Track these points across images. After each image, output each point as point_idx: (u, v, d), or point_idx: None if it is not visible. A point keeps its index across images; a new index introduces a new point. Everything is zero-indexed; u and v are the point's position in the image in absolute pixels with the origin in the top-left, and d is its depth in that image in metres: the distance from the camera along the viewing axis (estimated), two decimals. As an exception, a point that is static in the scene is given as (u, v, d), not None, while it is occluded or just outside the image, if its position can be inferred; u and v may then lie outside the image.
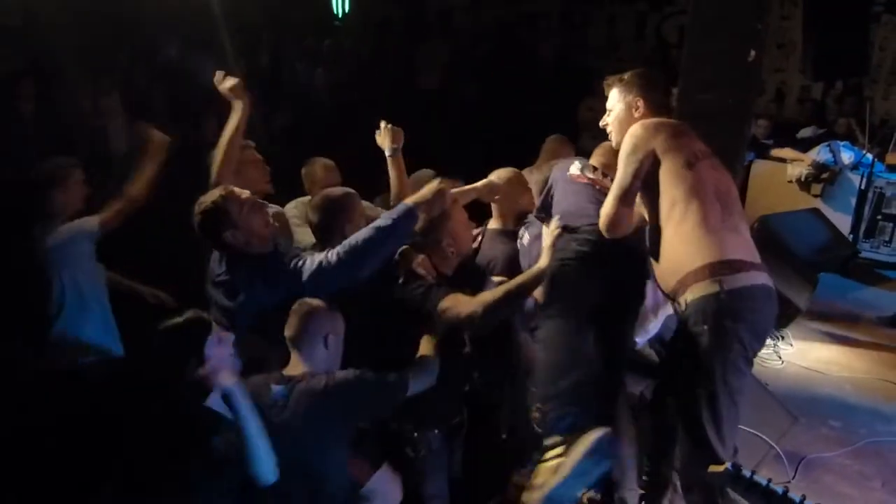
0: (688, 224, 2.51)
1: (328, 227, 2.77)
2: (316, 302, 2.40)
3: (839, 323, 5.19)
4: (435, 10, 11.20)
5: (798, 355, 4.68)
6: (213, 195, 2.55)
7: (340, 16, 10.79)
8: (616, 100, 2.82)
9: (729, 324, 2.42)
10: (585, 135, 9.37)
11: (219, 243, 2.57)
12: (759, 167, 7.11)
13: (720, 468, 2.54)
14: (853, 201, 6.73)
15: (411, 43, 9.73)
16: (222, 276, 2.58)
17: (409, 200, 2.59)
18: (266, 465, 2.13)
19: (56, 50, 5.81)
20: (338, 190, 2.94)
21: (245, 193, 2.60)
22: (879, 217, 6.73)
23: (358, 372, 2.38)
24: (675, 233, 2.54)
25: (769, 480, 1.91)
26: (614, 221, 2.60)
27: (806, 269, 5.72)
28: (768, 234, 5.79)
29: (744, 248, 2.54)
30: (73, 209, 3.13)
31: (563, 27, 10.59)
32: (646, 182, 2.63)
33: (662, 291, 2.77)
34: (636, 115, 2.74)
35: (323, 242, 2.75)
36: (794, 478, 3.37)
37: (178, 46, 8.03)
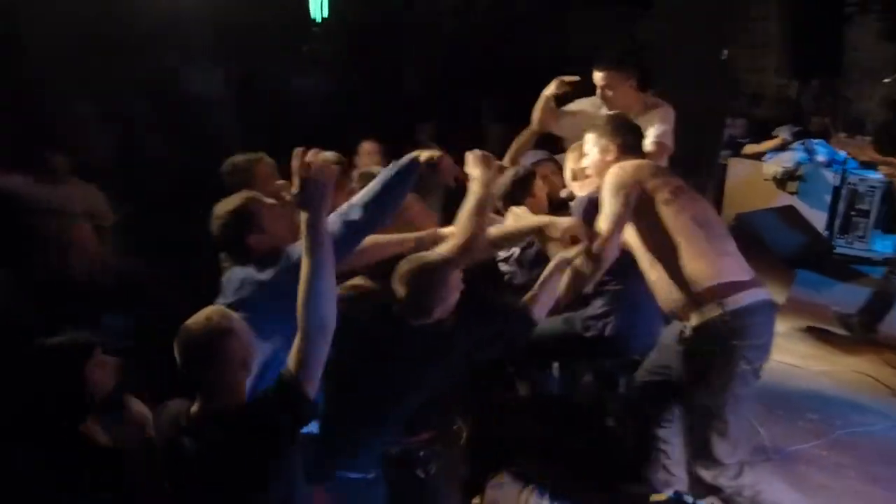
0: (680, 257, 2.59)
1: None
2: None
3: (816, 318, 5.26)
4: (419, 13, 11.23)
5: (775, 350, 4.66)
6: (237, 198, 2.47)
7: (319, 21, 10.79)
8: (591, 144, 2.89)
9: (736, 343, 2.51)
10: (568, 143, 9.43)
11: (239, 249, 2.45)
12: (736, 166, 7.20)
13: (662, 497, 2.70)
14: (828, 198, 6.85)
15: (390, 49, 9.74)
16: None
17: (420, 156, 2.50)
18: None
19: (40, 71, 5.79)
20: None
21: (269, 199, 2.56)
22: (853, 213, 6.85)
23: None
24: (669, 265, 2.62)
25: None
26: (612, 247, 2.62)
27: (782, 265, 5.82)
28: (745, 232, 5.89)
29: (737, 268, 2.63)
30: None
31: (541, 32, 10.65)
32: (633, 217, 2.70)
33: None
34: (608, 158, 2.82)
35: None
36: (770, 468, 3.42)
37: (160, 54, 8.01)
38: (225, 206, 2.45)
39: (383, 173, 2.49)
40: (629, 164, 2.75)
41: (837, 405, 4.08)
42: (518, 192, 3.36)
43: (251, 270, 2.41)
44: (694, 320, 2.57)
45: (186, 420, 2.03)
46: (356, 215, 2.39)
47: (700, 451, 2.65)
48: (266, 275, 2.39)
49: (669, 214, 2.63)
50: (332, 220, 2.36)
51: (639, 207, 2.65)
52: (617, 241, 2.63)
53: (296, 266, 2.05)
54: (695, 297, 2.56)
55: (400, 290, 2.40)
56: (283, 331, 2.16)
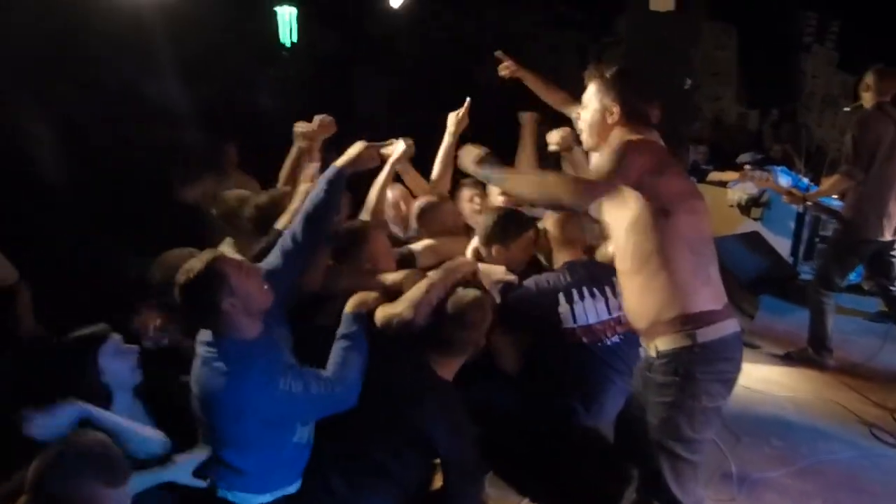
0: (662, 277, 2.38)
1: None
2: None
3: (780, 343, 5.27)
4: (378, 37, 11.29)
5: (741, 375, 4.72)
6: (199, 260, 2.31)
7: (289, 45, 10.79)
8: (591, 97, 2.57)
9: (699, 375, 2.36)
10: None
11: (212, 317, 2.31)
12: (701, 191, 7.23)
13: None
14: (792, 225, 6.90)
15: (354, 70, 9.78)
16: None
17: (338, 162, 2.68)
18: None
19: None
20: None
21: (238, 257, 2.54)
22: (817, 240, 6.93)
23: None
24: (648, 283, 2.41)
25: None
26: (589, 189, 2.32)
27: (747, 291, 5.84)
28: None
29: (715, 296, 2.44)
30: None
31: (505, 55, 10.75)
32: (620, 216, 2.46)
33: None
34: (609, 120, 2.52)
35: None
36: (737, 496, 3.38)
37: (122, 75, 7.92)
38: (189, 270, 2.29)
39: (312, 192, 2.67)
40: (656, 146, 2.46)
41: (803, 432, 4.06)
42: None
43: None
44: (661, 345, 2.42)
45: None
46: (293, 241, 2.58)
47: (656, 492, 2.47)
48: None
49: (670, 226, 2.36)
50: (272, 258, 2.59)
51: (643, 204, 2.37)
52: (598, 192, 2.34)
53: None
54: (667, 321, 2.39)
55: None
56: None
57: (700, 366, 2.36)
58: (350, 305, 2.61)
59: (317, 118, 3.53)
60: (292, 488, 2.47)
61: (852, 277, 5.73)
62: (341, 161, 2.69)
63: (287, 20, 10.72)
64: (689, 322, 2.36)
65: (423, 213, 3.65)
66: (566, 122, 3.83)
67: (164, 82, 7.16)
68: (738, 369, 2.48)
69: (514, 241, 3.25)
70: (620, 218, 2.46)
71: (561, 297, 3.12)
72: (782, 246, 6.81)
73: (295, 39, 10.75)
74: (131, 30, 6.59)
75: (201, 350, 2.36)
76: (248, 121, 8.27)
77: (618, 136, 2.49)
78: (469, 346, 2.65)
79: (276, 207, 3.06)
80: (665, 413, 2.40)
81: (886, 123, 4.57)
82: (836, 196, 5.36)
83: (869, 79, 4.62)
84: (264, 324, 2.39)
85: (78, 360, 2.22)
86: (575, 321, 3.10)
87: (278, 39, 10.60)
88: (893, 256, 4.82)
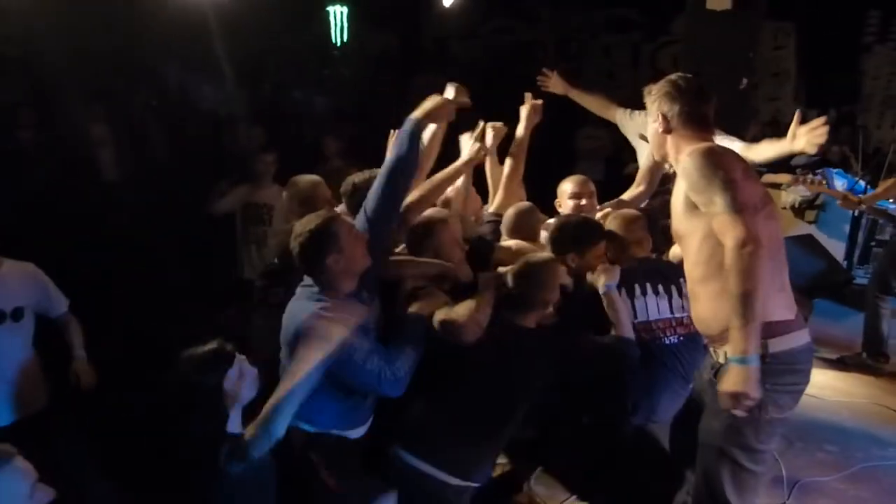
0: None
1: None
2: None
3: (834, 348, 5.20)
4: (431, 39, 11.36)
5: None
6: (317, 216, 2.56)
7: (339, 45, 10.94)
8: (650, 112, 2.60)
9: (768, 385, 2.28)
10: (583, 163, 9.48)
11: (317, 268, 2.53)
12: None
13: None
14: (847, 228, 6.78)
15: (408, 73, 9.87)
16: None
17: (414, 114, 2.72)
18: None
19: (54, 79, 5.91)
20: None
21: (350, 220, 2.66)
22: (873, 244, 6.80)
23: None
24: (724, 288, 2.27)
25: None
26: (754, 231, 2.20)
27: (801, 295, 5.74)
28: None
29: (789, 305, 2.39)
30: None
31: (559, 57, 10.74)
32: (695, 224, 2.42)
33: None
34: (660, 129, 2.53)
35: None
36: (787, 500, 3.37)
37: (179, 75, 8.16)
38: (306, 224, 2.53)
39: (391, 147, 2.76)
40: (719, 149, 2.39)
41: (857, 437, 4.02)
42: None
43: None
44: (731, 351, 2.30)
45: None
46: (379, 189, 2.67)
47: (714, 498, 2.44)
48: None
49: None
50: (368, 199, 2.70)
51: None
52: (756, 226, 2.21)
53: None
54: None
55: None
56: None
57: (770, 377, 2.29)
58: (416, 307, 2.70)
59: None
60: (354, 433, 2.65)
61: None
62: (417, 113, 2.72)
63: (338, 20, 10.88)
64: (763, 331, 2.25)
65: (521, 216, 3.50)
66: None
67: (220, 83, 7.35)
68: (807, 381, 2.43)
69: (589, 249, 3.17)
70: (695, 226, 2.43)
71: (623, 291, 3.07)
72: (837, 249, 6.69)
73: (346, 39, 10.91)
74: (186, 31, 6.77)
75: (300, 289, 2.59)
76: (298, 120, 8.44)
77: (684, 145, 2.47)
78: (540, 306, 2.77)
79: None
80: (730, 421, 2.36)
81: None
82: (892, 200, 5.26)
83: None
84: (358, 286, 2.60)
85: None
86: (636, 316, 3.07)
87: (330, 39, 10.76)
88: None
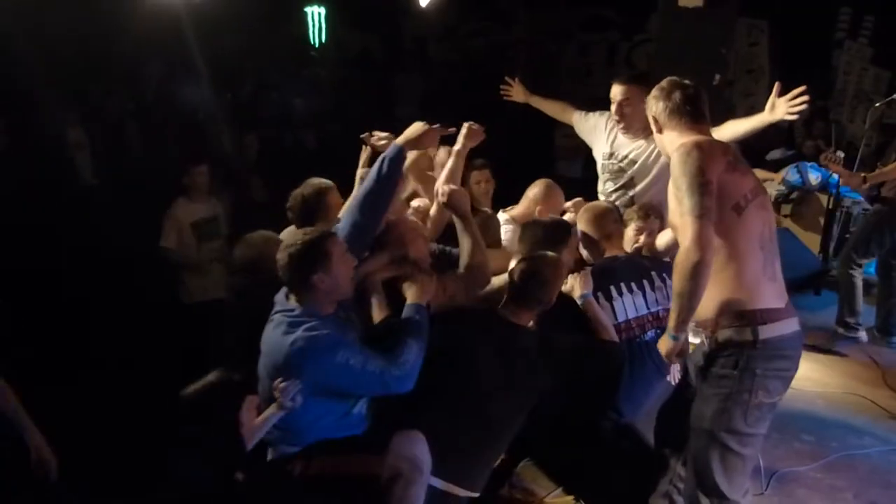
0: (730, 270, 2.40)
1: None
2: None
3: (810, 339, 5.25)
4: (409, 38, 11.36)
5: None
6: (314, 231, 2.52)
7: (317, 45, 10.91)
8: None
9: (758, 370, 2.39)
10: (561, 162, 9.53)
11: (301, 284, 2.47)
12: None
13: None
14: (822, 220, 6.87)
15: (388, 73, 9.87)
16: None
17: (399, 140, 2.75)
18: None
19: (28, 84, 5.86)
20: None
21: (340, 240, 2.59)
22: (847, 235, 6.87)
23: None
24: (715, 275, 2.35)
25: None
26: (706, 240, 2.29)
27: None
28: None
29: (780, 293, 2.48)
30: None
31: (535, 55, 10.79)
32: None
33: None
34: (655, 131, 2.65)
35: None
36: (765, 491, 3.41)
37: (156, 77, 8.11)
38: (300, 236, 2.48)
39: (371, 171, 2.72)
40: (705, 144, 2.44)
41: (833, 427, 4.07)
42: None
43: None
44: (721, 337, 2.45)
45: None
46: (353, 218, 2.67)
47: (703, 482, 2.51)
48: None
49: (742, 222, 2.39)
50: (340, 227, 2.67)
51: (717, 203, 2.35)
52: (710, 232, 2.29)
53: None
54: (731, 314, 2.42)
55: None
56: None
57: (760, 361, 2.39)
58: (412, 296, 2.68)
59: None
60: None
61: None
62: (402, 139, 2.74)
63: (315, 20, 10.86)
64: (753, 317, 2.39)
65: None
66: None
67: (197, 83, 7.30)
68: (795, 367, 2.52)
69: (564, 246, 3.19)
70: None
71: (600, 296, 3.09)
72: (812, 242, 6.79)
73: (324, 40, 10.87)
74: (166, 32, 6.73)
75: (276, 315, 2.50)
76: (276, 121, 8.42)
77: (676, 140, 2.53)
78: (539, 303, 2.82)
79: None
80: (720, 405, 2.44)
81: None
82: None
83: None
84: (337, 305, 2.57)
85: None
86: (615, 318, 3.09)
87: (308, 40, 10.73)
88: None
